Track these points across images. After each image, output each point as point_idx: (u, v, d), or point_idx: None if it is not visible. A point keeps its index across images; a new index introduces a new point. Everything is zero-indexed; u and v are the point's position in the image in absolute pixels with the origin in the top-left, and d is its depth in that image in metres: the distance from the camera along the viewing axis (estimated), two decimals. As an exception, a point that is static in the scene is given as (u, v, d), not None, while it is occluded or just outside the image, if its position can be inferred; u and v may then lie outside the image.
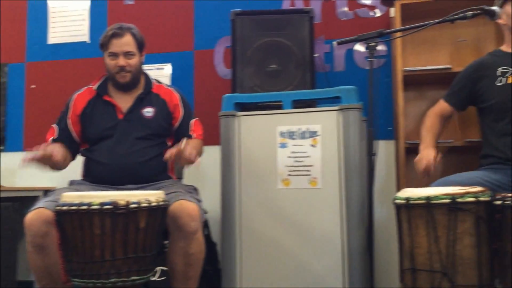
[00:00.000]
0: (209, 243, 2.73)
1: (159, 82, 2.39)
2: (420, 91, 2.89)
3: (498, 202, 1.56)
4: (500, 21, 2.15)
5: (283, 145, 2.40)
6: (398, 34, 2.47)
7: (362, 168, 2.28)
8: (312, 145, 2.37)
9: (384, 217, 2.75)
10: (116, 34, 2.21)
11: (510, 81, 2.10)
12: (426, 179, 2.18)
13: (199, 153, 2.24)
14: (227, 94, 2.52)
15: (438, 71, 2.66)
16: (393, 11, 2.79)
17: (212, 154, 2.74)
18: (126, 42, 2.22)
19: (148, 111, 2.26)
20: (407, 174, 2.65)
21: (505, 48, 2.23)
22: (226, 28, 2.84)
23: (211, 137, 2.79)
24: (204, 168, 2.88)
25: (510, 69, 2.13)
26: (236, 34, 2.67)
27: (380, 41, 2.07)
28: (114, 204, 1.61)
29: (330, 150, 2.33)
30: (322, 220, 2.30)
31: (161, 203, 1.74)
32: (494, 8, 2.00)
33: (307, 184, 2.35)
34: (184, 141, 1.96)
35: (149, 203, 1.68)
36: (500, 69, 2.15)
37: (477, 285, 1.55)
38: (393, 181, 2.85)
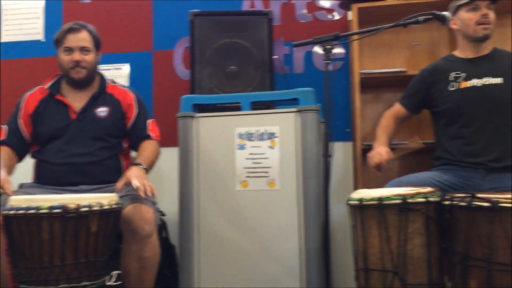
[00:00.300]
0: (167, 246, 2.70)
1: (114, 82, 2.35)
2: (377, 93, 2.94)
3: (447, 202, 1.60)
4: (453, 26, 2.21)
5: (242, 147, 2.40)
6: (355, 37, 2.50)
7: (320, 169, 2.30)
8: (270, 147, 2.37)
9: (342, 217, 2.78)
10: (73, 29, 2.18)
11: (462, 86, 2.15)
12: (382, 178, 2.23)
13: (154, 162, 2.23)
14: (185, 95, 2.49)
15: (393, 74, 2.71)
16: (350, 15, 2.83)
17: (170, 156, 2.71)
18: (82, 38, 2.19)
19: (102, 111, 2.22)
20: (364, 175, 2.70)
21: (458, 53, 2.28)
22: (185, 28, 2.81)
23: (170, 138, 2.76)
24: (162, 170, 2.85)
25: (462, 74, 2.17)
26: (194, 35, 2.65)
27: (336, 44, 2.09)
28: (64, 208, 1.57)
29: (288, 151, 2.34)
30: (280, 221, 2.30)
31: (113, 206, 1.70)
32: (445, 13, 2.04)
33: (265, 186, 2.35)
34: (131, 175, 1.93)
35: (101, 207, 1.64)
36: (453, 74, 2.19)
37: (427, 284, 1.59)
38: (350, 182, 2.89)
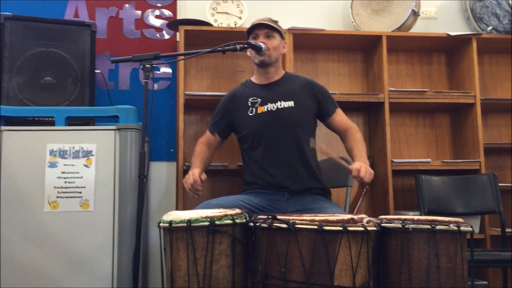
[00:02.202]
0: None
1: None
2: (202, 115, 2.99)
3: (252, 224, 1.67)
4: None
5: (53, 165, 2.22)
6: (180, 57, 2.52)
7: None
8: (86, 165, 2.24)
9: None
10: None
11: (259, 111, 2.24)
12: (204, 198, 2.24)
13: None
14: (-12, 106, 2.24)
15: (217, 98, 2.77)
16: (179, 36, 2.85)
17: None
18: None
19: None
20: (186, 196, 2.70)
21: (254, 78, 2.37)
22: (-3, 31, 2.54)
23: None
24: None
25: (258, 100, 2.26)
26: (5, 40, 2.41)
27: (157, 63, 2.07)
28: None
29: (105, 171, 2.24)
30: (93, 245, 2.19)
31: None
32: (261, 43, 2.17)
33: (78, 207, 2.21)
34: None
35: None
36: (250, 100, 2.27)
37: (230, 304, 1.63)
38: (174, 203, 2.87)
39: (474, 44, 2.98)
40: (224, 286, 1.63)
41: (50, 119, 2.31)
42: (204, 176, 2.12)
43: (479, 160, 2.88)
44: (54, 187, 2.21)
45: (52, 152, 2.23)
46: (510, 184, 3.08)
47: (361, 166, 1.98)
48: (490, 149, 3.02)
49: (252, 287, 1.67)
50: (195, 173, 2.09)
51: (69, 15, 2.93)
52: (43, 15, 2.82)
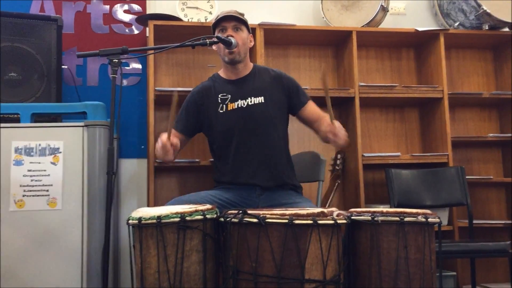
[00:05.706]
0: None
1: None
2: (173, 111, 2.95)
3: (222, 219, 1.66)
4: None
5: (19, 162, 2.17)
6: (149, 52, 2.49)
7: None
8: (53, 163, 2.19)
9: (134, 237, 2.71)
10: None
11: (230, 108, 2.19)
12: (175, 195, 2.21)
13: None
14: None
15: (187, 94, 2.73)
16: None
17: None
18: None
19: None
20: (156, 193, 2.68)
21: (222, 73, 2.31)
22: (-43, 26, 2.45)
23: None
24: None
25: (228, 96, 2.21)
26: (-34, 34, 2.33)
27: (125, 58, 2.04)
28: None
29: (73, 168, 2.20)
30: (62, 243, 2.16)
31: None
32: (231, 38, 2.14)
33: (45, 205, 2.16)
34: None
35: None
36: (220, 96, 2.21)
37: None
38: (145, 200, 2.84)
39: (442, 40, 3.03)
40: (195, 282, 1.61)
41: (15, 116, 2.25)
42: (175, 140, 2.01)
43: (447, 153, 2.93)
44: (20, 186, 2.16)
45: (17, 150, 2.18)
46: (477, 177, 3.16)
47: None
48: (457, 143, 3.08)
49: (223, 282, 1.66)
50: (163, 138, 1.97)
51: (34, 10, 2.86)
52: (7, 10, 2.74)
